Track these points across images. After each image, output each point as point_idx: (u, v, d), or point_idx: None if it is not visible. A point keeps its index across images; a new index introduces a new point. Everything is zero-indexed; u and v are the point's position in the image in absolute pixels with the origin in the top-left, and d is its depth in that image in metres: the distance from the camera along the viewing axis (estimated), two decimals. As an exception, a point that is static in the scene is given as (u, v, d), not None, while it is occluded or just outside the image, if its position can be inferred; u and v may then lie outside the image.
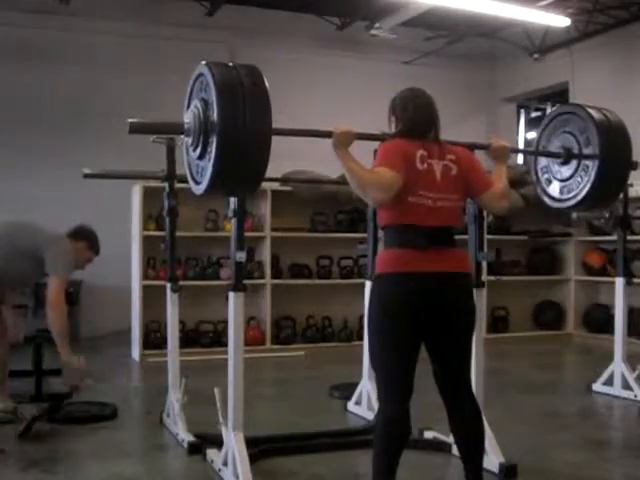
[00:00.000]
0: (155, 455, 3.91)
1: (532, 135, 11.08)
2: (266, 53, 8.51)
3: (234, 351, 3.37)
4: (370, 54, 9.44)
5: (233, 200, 3.37)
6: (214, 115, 2.77)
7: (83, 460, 3.72)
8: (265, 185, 6.63)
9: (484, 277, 6.39)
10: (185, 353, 5.17)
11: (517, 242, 8.53)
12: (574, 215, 7.53)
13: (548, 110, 11.56)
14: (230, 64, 2.90)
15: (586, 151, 3.85)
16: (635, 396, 5.14)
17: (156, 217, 6.86)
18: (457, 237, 2.95)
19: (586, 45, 9.04)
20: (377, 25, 8.87)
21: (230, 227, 3.43)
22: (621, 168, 3.92)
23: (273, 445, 3.87)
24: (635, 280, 5.80)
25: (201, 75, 2.92)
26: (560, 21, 8.10)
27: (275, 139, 2.84)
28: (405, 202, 2.80)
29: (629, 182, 4.44)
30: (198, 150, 2.90)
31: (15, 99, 8.12)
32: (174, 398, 4.24)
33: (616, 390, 5.28)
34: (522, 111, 11.51)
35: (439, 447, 3.84)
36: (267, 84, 2.84)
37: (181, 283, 4.50)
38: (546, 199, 4.18)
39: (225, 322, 3.65)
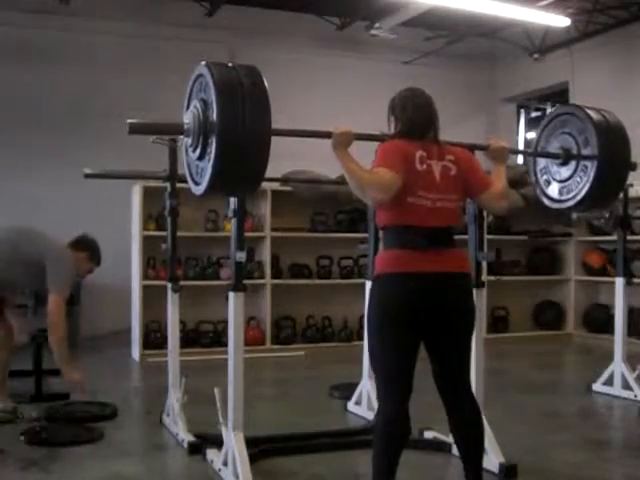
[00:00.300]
0: (155, 455, 3.91)
1: (532, 135, 11.08)
2: (266, 53, 8.51)
3: (234, 351, 3.37)
4: (370, 54, 9.44)
5: (233, 200, 3.37)
6: (214, 115, 2.77)
7: (83, 460, 3.72)
8: (265, 185, 6.63)
9: (484, 277, 6.38)
10: (185, 353, 5.17)
11: (517, 242, 8.53)
12: (574, 215, 7.52)
13: (548, 110, 11.57)
14: (230, 64, 2.90)
15: (585, 152, 3.85)
16: (635, 396, 5.14)
17: (156, 217, 6.86)
18: (457, 237, 2.95)
19: (586, 45, 9.03)
20: (377, 25, 8.86)
21: (230, 227, 3.43)
22: (620, 168, 3.92)
23: (273, 445, 3.87)
24: (635, 280, 5.80)
25: (201, 76, 2.92)
26: (560, 21, 8.10)
27: (275, 139, 2.84)
28: (404, 203, 2.80)
29: (629, 182, 4.43)
30: (198, 151, 2.90)
31: (15, 99, 8.12)
32: (174, 398, 4.24)
33: (616, 390, 5.28)
34: (522, 111, 11.50)
35: (439, 447, 3.84)
36: (267, 84, 2.84)
37: (181, 283, 4.50)
38: (545, 200, 4.18)
39: (225, 322, 3.65)
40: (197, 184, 3.01)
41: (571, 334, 8.50)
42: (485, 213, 3.87)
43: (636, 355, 5.48)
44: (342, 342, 7.54)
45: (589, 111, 3.89)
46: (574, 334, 8.47)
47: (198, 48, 7.91)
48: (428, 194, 2.82)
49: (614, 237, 5.83)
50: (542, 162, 4.20)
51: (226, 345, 3.45)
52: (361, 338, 5.00)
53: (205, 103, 2.85)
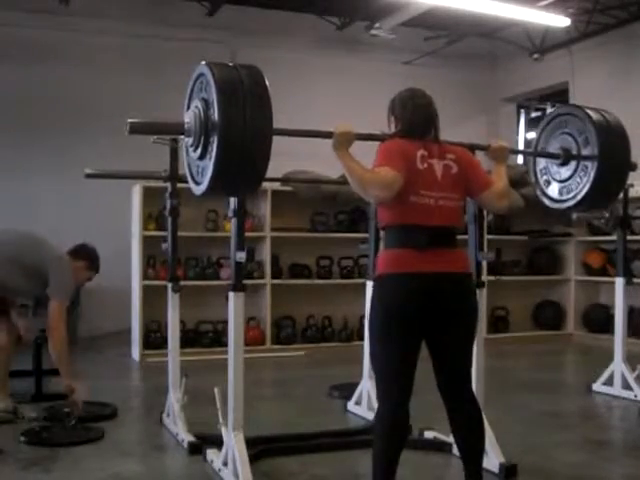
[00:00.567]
0: (155, 455, 3.91)
1: (532, 135, 11.08)
2: (266, 53, 8.50)
3: (234, 351, 3.37)
4: (370, 54, 9.44)
5: (233, 200, 3.37)
6: (215, 115, 2.76)
7: (83, 460, 3.72)
8: (265, 185, 6.63)
9: (484, 277, 6.39)
10: (185, 353, 5.17)
11: (517, 242, 8.53)
12: (574, 215, 7.51)
13: (548, 110, 11.58)
14: (231, 64, 2.90)
15: (585, 152, 3.85)
16: (635, 396, 5.14)
17: (156, 217, 6.86)
18: (457, 237, 2.95)
19: (586, 45, 9.03)
20: (377, 25, 8.86)
21: (230, 227, 3.43)
22: (620, 168, 3.92)
23: (273, 445, 3.87)
24: (635, 280, 5.80)
25: (201, 75, 2.92)
26: (560, 21, 8.10)
27: (275, 138, 2.83)
28: (407, 201, 2.80)
29: (629, 182, 4.44)
30: (199, 150, 2.90)
31: (15, 99, 8.12)
32: (174, 398, 4.24)
33: (616, 390, 5.28)
34: (522, 111, 11.51)
35: (440, 447, 3.84)
36: (268, 84, 2.84)
37: (181, 283, 4.49)
38: (545, 200, 4.18)
39: (225, 322, 3.64)
40: (198, 184, 3.00)
41: (571, 334, 8.49)
42: (485, 213, 3.88)
43: (636, 355, 5.48)
44: (342, 342, 7.53)
45: (589, 111, 3.90)
46: (574, 334, 8.47)
47: (198, 48, 7.92)
48: (430, 192, 2.82)
49: (614, 237, 5.82)
50: (542, 162, 4.20)
51: (226, 345, 3.45)
52: (361, 338, 5.01)
53: (206, 103, 2.84)
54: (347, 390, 4.95)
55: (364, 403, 4.59)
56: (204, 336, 7.17)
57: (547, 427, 4.50)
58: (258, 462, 3.53)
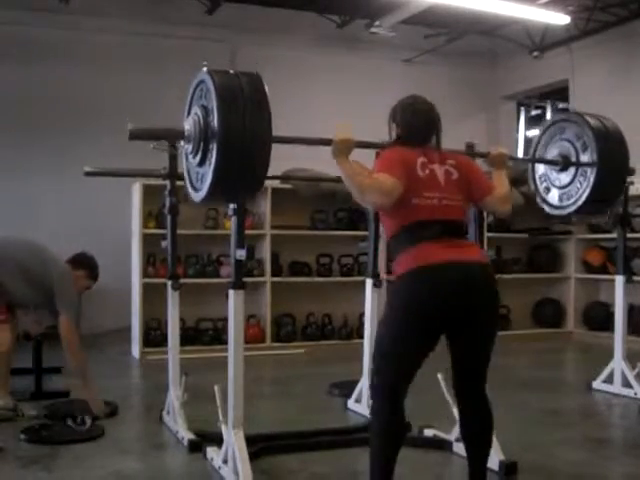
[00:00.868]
0: (155, 453, 3.91)
1: (532, 133, 11.08)
2: (266, 51, 8.53)
3: (234, 349, 3.37)
4: (370, 52, 9.42)
5: (233, 200, 3.38)
6: (215, 121, 2.77)
7: (83, 458, 3.72)
8: (265, 183, 6.58)
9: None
10: (185, 351, 5.18)
11: (517, 240, 8.53)
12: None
13: (548, 108, 11.58)
14: (231, 71, 2.90)
15: (583, 157, 3.86)
16: (635, 394, 5.14)
17: (156, 215, 6.86)
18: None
19: (586, 43, 9.03)
20: (377, 23, 8.85)
21: (230, 225, 3.43)
22: (619, 174, 3.94)
23: (273, 443, 3.88)
24: (635, 278, 5.79)
25: (202, 82, 2.93)
26: (560, 19, 8.09)
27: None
28: (410, 204, 2.79)
29: (629, 180, 4.45)
30: (198, 157, 2.91)
31: (15, 99, 8.11)
32: (174, 396, 4.24)
33: (616, 388, 5.29)
34: (522, 109, 11.50)
35: (439, 445, 3.84)
36: (267, 90, 2.84)
37: (181, 281, 4.50)
38: (546, 207, 4.20)
39: (225, 320, 3.65)
40: (197, 190, 3.01)
41: (571, 332, 8.50)
42: (485, 214, 3.88)
43: (636, 353, 5.48)
44: (342, 340, 7.54)
45: (587, 117, 3.91)
46: (574, 332, 8.47)
47: (198, 46, 7.92)
48: (433, 194, 2.81)
49: (614, 235, 5.82)
50: (541, 169, 4.21)
51: (226, 343, 3.45)
52: (361, 336, 5.01)
53: (206, 109, 2.85)
54: (347, 388, 4.95)
55: (364, 401, 4.59)
56: (204, 334, 7.18)
57: (547, 425, 4.50)
58: (258, 460, 3.53)
